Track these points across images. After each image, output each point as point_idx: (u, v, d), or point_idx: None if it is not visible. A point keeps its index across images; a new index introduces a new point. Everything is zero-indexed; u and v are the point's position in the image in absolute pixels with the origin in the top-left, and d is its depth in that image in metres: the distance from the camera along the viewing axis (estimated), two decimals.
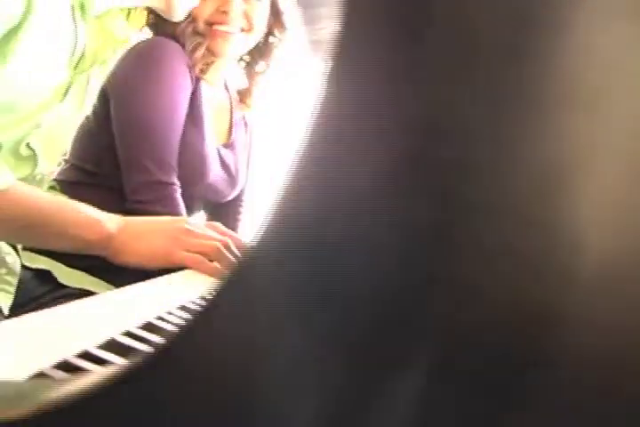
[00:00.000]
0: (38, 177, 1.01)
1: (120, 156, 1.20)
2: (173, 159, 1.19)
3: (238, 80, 1.46)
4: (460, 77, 0.20)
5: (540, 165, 0.21)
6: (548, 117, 0.20)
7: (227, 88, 1.43)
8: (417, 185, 0.21)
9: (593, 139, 0.21)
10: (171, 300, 0.66)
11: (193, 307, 0.64)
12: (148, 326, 0.52)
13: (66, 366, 0.39)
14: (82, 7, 0.95)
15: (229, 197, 1.43)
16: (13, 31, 0.82)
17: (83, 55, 1.00)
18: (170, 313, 0.59)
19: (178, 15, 1.06)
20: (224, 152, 1.37)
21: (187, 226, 0.93)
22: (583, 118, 0.21)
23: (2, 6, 0.79)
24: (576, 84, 0.20)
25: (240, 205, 1.49)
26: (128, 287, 0.69)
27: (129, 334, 0.48)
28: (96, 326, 0.52)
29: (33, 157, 0.99)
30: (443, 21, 0.20)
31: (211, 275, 0.91)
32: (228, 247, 0.94)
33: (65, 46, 0.93)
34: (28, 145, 0.97)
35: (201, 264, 0.91)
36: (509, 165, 0.21)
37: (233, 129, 1.42)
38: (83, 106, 1.08)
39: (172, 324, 0.55)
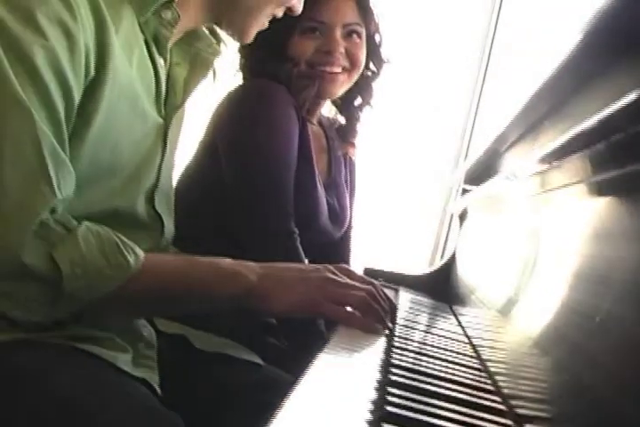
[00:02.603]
0: (164, 243, 0.94)
1: (237, 206, 1.16)
2: (291, 206, 1.14)
3: (333, 115, 1.42)
4: None
5: None
6: None
7: (321, 124, 1.39)
8: None
9: None
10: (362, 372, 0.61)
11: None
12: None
13: None
14: (155, 40, 0.85)
15: (336, 237, 1.38)
16: (91, 87, 0.74)
17: (172, 90, 0.91)
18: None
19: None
20: (326, 191, 1.32)
21: (330, 275, 0.88)
22: None
23: (75, 62, 0.71)
24: None
25: (348, 243, 1.43)
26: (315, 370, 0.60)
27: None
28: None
29: (158, 223, 0.91)
30: None
31: (359, 328, 0.85)
32: (373, 297, 0.88)
33: (147, 87, 0.84)
34: (153, 208, 0.89)
35: (350, 318, 0.85)
36: None
37: (332, 166, 1.37)
38: (175, 148, 0.96)
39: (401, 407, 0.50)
